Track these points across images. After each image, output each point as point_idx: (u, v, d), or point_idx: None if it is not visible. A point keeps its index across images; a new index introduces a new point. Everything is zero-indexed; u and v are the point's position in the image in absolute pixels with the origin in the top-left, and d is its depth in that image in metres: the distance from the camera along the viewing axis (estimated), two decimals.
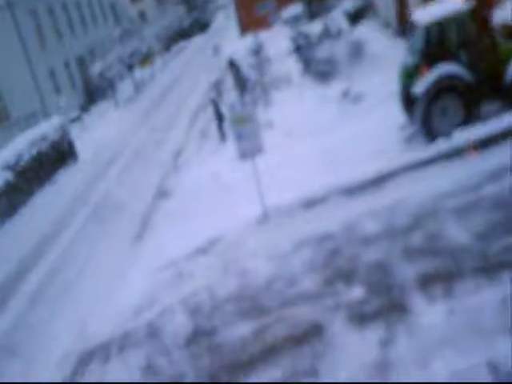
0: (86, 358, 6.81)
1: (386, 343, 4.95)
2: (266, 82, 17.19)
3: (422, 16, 8.78)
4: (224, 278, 7.03)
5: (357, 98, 12.64)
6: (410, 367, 4.60)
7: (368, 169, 8.34)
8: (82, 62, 28.68)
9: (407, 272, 5.84)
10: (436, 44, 8.57)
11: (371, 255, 6.41)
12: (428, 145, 8.52)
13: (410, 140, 9.24)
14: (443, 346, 4.66)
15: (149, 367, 5.93)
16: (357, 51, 15.78)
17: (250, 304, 6.32)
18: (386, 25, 20.14)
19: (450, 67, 8.38)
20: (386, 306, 5.45)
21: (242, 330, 5.88)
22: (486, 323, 4.79)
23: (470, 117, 8.40)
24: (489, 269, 5.42)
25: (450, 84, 8.36)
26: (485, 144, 7.88)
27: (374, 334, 5.11)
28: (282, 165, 9.93)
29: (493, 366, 4.28)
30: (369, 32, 18.79)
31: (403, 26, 17.49)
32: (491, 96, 8.62)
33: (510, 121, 7.96)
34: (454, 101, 8.43)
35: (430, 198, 7.12)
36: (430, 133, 8.52)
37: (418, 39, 8.78)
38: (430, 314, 5.13)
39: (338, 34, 18.11)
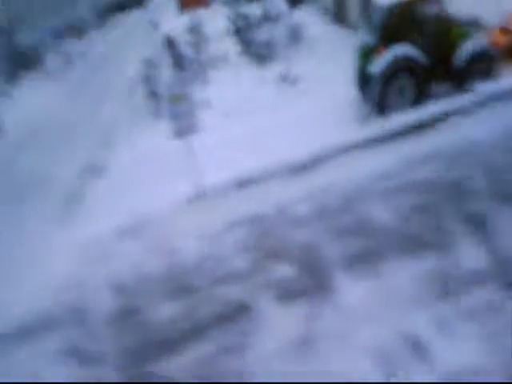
0: None
1: (311, 319, 5.10)
2: (203, 61, 16.99)
3: None
4: (153, 256, 6.92)
5: (295, 81, 12.79)
6: (332, 341, 4.78)
7: (305, 150, 8.47)
8: (7, 31, 27.01)
9: (335, 252, 6.02)
10: (393, 25, 8.88)
11: (302, 236, 6.53)
12: (379, 124, 8.78)
13: (359, 120, 9.46)
14: (365, 321, 4.88)
15: (70, 349, 5.75)
16: (295, 35, 15.92)
17: (179, 283, 6.28)
18: (325, 10, 20.41)
19: (406, 48, 8.75)
20: (313, 284, 5.60)
21: (170, 309, 5.83)
22: (405, 299, 5.06)
23: (421, 97, 8.82)
24: (411, 249, 5.71)
25: (404, 64, 8.74)
26: (423, 127, 8.20)
27: (300, 310, 5.24)
28: (219, 144, 9.89)
29: (407, 337, 4.55)
30: (308, 16, 18.99)
31: (341, 12, 17.84)
32: (442, 78, 9.06)
33: (459, 102, 8.35)
34: (407, 81, 8.77)
35: (363, 179, 7.32)
36: (383, 111, 8.85)
37: (377, 20, 9.11)
38: (355, 291, 5.33)
39: (278, 16, 18.17)
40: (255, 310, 5.38)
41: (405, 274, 5.36)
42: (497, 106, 8.09)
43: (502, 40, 9.26)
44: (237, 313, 5.44)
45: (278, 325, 5.08)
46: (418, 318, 4.75)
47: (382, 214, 6.48)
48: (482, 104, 8.13)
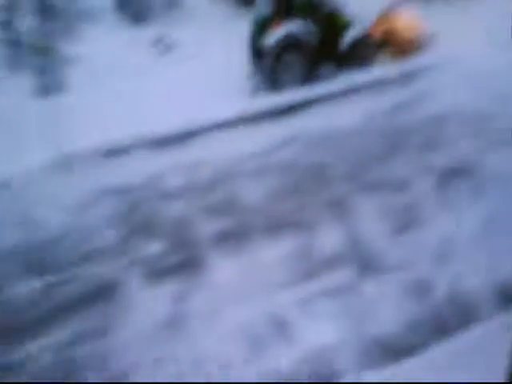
0: None
1: (179, 299, 5.07)
2: (73, 12, 15.59)
3: None
4: (8, 229, 6.32)
5: (170, 47, 12.33)
6: (200, 321, 4.82)
7: (180, 121, 8.25)
8: None
9: (205, 229, 6.03)
10: (288, 2, 9.28)
11: (171, 211, 6.43)
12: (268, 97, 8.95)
13: (240, 93, 9.40)
14: (233, 300, 4.99)
15: None
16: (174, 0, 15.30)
17: (39, 259, 5.83)
18: None
19: (298, 26, 9.12)
20: (182, 262, 5.57)
21: (28, 288, 5.40)
22: (271, 279, 5.26)
23: (310, 75, 9.31)
24: (276, 229, 5.92)
25: (296, 42, 9.08)
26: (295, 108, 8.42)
27: (168, 290, 5.18)
28: (86, 108, 9.21)
29: (273, 317, 4.74)
30: None
31: None
32: (329, 60, 9.63)
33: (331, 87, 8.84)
34: (297, 58, 9.13)
35: (233, 157, 7.37)
36: (275, 85, 9.12)
37: None
38: (224, 270, 5.40)
39: None
40: (122, 289, 5.20)
41: (271, 254, 5.56)
42: (365, 94, 8.63)
43: (379, 30, 10.09)
44: (102, 293, 5.22)
45: (145, 305, 4.96)
46: (282, 297, 4.97)
47: (249, 192, 6.61)
48: (353, 91, 8.61)
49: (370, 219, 5.77)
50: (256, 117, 8.16)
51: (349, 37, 9.57)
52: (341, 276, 5.16)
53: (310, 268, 5.32)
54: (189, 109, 8.75)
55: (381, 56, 10.00)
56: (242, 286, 5.17)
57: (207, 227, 6.06)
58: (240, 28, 11.95)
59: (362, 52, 9.59)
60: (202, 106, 8.71)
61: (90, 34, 13.78)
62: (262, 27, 9.41)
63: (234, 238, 5.85)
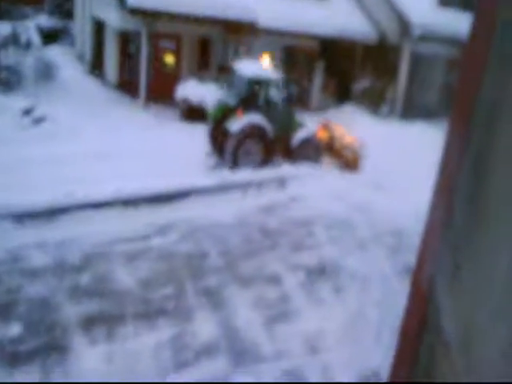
0: None
1: None
2: None
3: (245, 68, 11.02)
4: None
5: (40, 119, 11.92)
6: None
7: (46, 197, 7.83)
8: None
9: (71, 312, 5.65)
10: (252, 95, 10.75)
11: (35, 290, 5.93)
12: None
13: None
14: None
15: None
16: (48, 72, 15.05)
17: None
18: (80, 57, 19.99)
19: (259, 118, 10.58)
20: (44, 346, 5.11)
21: None
22: (141, 367, 5.05)
23: (266, 161, 10.71)
24: (149, 315, 5.78)
25: (256, 131, 10.51)
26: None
27: (28, 376, 4.69)
28: None
29: None
30: (63, 58, 18.25)
31: (98, 64, 17.78)
32: (281, 151, 11.15)
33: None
34: (256, 144, 10.57)
35: (107, 238, 7.16)
36: (235, 165, 10.38)
37: (239, 86, 10.85)
38: (90, 356, 5.08)
39: (28, 46, 16.96)
40: None
41: (143, 342, 5.38)
42: (243, 191, 9.18)
43: (323, 136, 11.86)
44: None
45: None
46: None
47: (122, 276, 6.43)
48: (231, 187, 9.11)
49: (244, 310, 5.95)
50: (133, 201, 8.12)
51: (298, 136, 11.08)
52: (214, 366, 5.16)
53: (183, 358, 5.24)
54: (57, 185, 8.43)
55: (326, 157, 11.57)
56: (110, 376, 4.88)
57: (74, 309, 5.69)
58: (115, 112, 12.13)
59: (309, 150, 11.09)
60: (76, 183, 8.44)
61: None
62: (225, 112, 10.78)
63: (103, 323, 5.56)
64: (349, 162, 11.40)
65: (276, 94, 11.07)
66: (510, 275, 1.25)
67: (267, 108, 10.88)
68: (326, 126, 12.32)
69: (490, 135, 1.31)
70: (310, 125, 11.67)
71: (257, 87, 10.80)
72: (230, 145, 10.35)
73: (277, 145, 10.97)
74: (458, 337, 1.46)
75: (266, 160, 10.74)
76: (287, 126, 11.22)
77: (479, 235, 1.39)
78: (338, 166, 11.53)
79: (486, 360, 1.33)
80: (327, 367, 5.04)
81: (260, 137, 10.57)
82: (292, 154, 11.08)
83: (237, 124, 10.38)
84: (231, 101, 10.91)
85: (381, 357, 5.10)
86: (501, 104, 1.28)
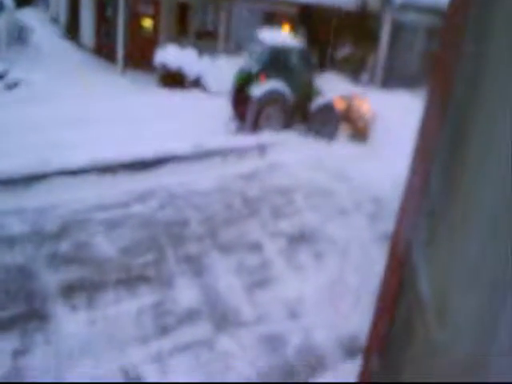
0: None
1: (20, 353, 4.59)
2: None
3: (268, 37, 11.39)
4: None
5: (14, 84, 11.57)
6: (44, 377, 4.40)
7: (25, 164, 7.66)
8: None
9: (51, 280, 5.61)
10: (275, 62, 11.07)
11: (13, 258, 5.86)
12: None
13: None
14: (82, 355, 4.68)
15: None
16: (21, 35, 14.56)
17: None
18: (55, 20, 19.36)
19: (280, 84, 10.83)
20: (24, 314, 5.07)
21: None
22: (122, 333, 5.07)
23: (286, 127, 10.94)
24: (130, 281, 5.78)
25: (277, 96, 10.75)
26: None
27: (8, 343, 4.66)
28: None
29: (125, 372, 4.56)
30: (36, 21, 17.64)
31: (73, 28, 17.22)
32: (299, 117, 11.32)
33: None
34: (277, 110, 10.81)
35: (86, 206, 7.08)
36: (256, 130, 10.64)
37: (262, 53, 11.22)
38: (71, 323, 5.07)
39: (0, 8, 16.34)
40: None
41: (125, 308, 5.39)
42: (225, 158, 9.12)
43: (340, 105, 11.79)
44: None
45: None
46: (136, 353, 4.82)
47: (102, 244, 6.39)
48: (211, 154, 9.04)
49: (225, 277, 5.99)
50: (111, 167, 8.00)
51: (316, 103, 11.29)
52: (197, 332, 5.20)
53: (165, 324, 5.27)
54: (32, 151, 8.24)
55: (343, 125, 11.60)
56: (92, 342, 4.89)
57: (55, 277, 5.64)
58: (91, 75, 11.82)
59: (326, 116, 11.30)
60: (52, 149, 8.27)
61: None
62: (246, 80, 11.12)
63: (84, 290, 5.54)
64: (359, 130, 11.48)
65: (297, 62, 11.38)
66: (483, 242, 1.28)
67: (288, 75, 11.14)
68: (343, 96, 12.33)
69: (468, 104, 1.33)
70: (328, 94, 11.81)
71: (279, 55, 11.17)
72: (251, 110, 10.71)
73: (296, 111, 11.23)
74: (432, 298, 1.50)
75: (286, 125, 11.03)
76: (307, 93, 11.45)
77: (454, 202, 1.42)
78: (351, 134, 11.62)
79: (458, 320, 1.37)
80: (306, 330, 5.13)
81: (281, 103, 10.86)
82: (309, 119, 11.32)
83: (259, 89, 10.73)
84: (253, 68, 11.26)
85: (359, 320, 5.21)
86: (479, 73, 1.29)
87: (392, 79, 17.82)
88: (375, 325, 2.04)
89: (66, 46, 15.93)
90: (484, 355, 1.26)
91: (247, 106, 10.81)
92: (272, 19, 18.26)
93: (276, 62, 11.17)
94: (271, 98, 10.77)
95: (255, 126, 10.77)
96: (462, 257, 1.40)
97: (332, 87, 12.37)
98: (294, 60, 11.41)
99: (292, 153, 9.54)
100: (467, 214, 1.33)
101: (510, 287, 1.17)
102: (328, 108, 11.35)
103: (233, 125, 11.57)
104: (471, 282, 1.29)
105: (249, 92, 10.90)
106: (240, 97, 11.29)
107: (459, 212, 1.38)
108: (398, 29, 18.05)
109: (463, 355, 1.34)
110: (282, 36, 11.78)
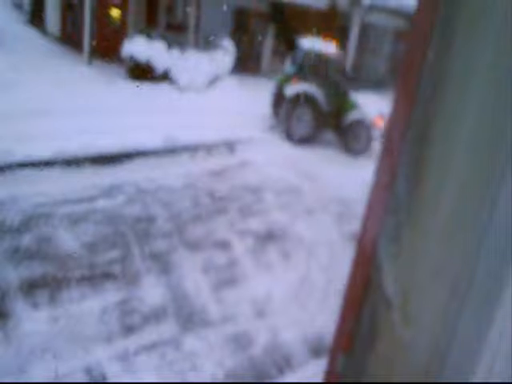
0: None
1: None
2: None
3: (307, 43, 11.90)
4: None
5: None
6: (5, 377, 4.26)
7: None
8: None
9: (11, 276, 5.43)
10: (309, 67, 11.60)
11: None
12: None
13: None
14: (44, 353, 4.55)
15: None
16: None
17: None
18: (18, 6, 18.76)
19: (312, 88, 11.26)
20: None
21: None
22: (86, 331, 4.96)
23: (317, 131, 11.34)
24: (94, 279, 5.66)
25: (308, 98, 11.16)
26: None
27: None
28: None
29: (89, 370, 4.47)
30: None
31: (38, 15, 16.69)
32: (333, 126, 11.63)
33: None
34: (308, 112, 11.18)
35: (48, 200, 6.88)
36: (289, 129, 11.19)
37: (299, 57, 11.82)
38: (32, 320, 4.93)
39: None
40: None
41: (88, 306, 5.27)
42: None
43: (379, 123, 11.78)
44: None
45: None
46: (101, 352, 4.72)
47: (65, 239, 6.23)
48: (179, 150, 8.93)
49: (192, 275, 5.94)
50: (76, 161, 7.80)
51: (351, 116, 11.54)
52: (163, 330, 5.14)
53: (130, 322, 5.18)
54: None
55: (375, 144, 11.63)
56: (55, 339, 4.76)
57: (14, 274, 5.46)
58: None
59: (359, 132, 11.51)
60: (13, 141, 7.98)
61: None
62: (286, 80, 11.75)
63: (46, 287, 5.38)
64: None
65: (332, 72, 11.82)
66: (446, 238, 1.32)
67: (322, 82, 11.56)
68: (383, 114, 12.44)
69: (434, 103, 1.37)
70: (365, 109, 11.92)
71: (313, 60, 11.70)
72: (284, 108, 11.33)
73: (329, 119, 11.49)
74: (397, 295, 1.53)
75: (317, 129, 11.32)
76: (342, 103, 11.68)
77: (417, 200, 1.46)
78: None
79: (422, 317, 1.40)
80: (273, 329, 5.14)
81: (311, 105, 11.21)
82: (342, 131, 11.55)
83: (291, 89, 11.29)
84: (291, 70, 12.03)
85: (325, 319, 5.27)
86: (445, 73, 1.35)
87: (359, 79, 18.09)
88: (341, 323, 2.06)
89: (30, 33, 15.41)
90: (443, 353, 1.30)
91: (282, 106, 11.45)
92: (245, 14, 18.21)
93: (310, 66, 11.66)
94: (302, 98, 11.16)
95: (288, 125, 11.21)
96: (424, 255, 1.44)
97: None
98: (330, 68, 11.81)
99: (258, 151, 9.54)
100: (429, 212, 1.37)
101: (470, 286, 1.22)
102: (361, 124, 11.53)
103: (270, 122, 12.21)
104: (433, 279, 1.33)
105: (284, 92, 11.51)
106: (278, 97, 12.03)
107: (422, 210, 1.42)
108: (366, 30, 18.30)
109: (424, 352, 1.37)
110: (322, 44, 12.28)
